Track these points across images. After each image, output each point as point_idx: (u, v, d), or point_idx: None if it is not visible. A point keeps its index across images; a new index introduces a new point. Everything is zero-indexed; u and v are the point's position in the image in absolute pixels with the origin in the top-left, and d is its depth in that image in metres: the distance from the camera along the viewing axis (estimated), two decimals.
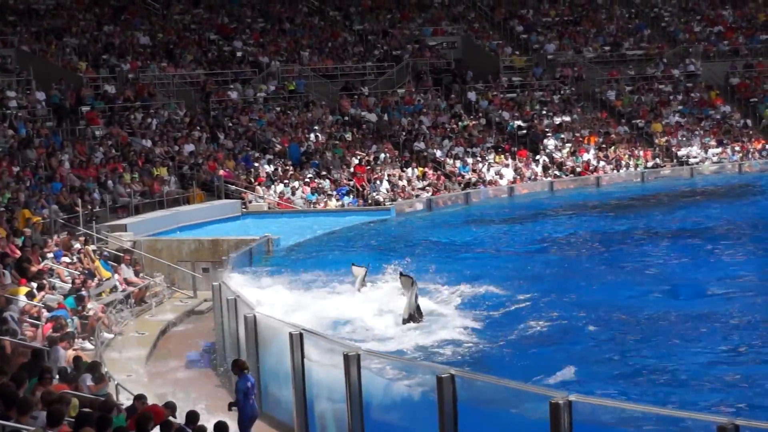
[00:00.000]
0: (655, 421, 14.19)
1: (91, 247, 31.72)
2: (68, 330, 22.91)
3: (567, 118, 61.99)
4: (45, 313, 24.27)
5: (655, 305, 27.45)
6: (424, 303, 27.40)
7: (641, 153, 59.45)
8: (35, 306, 24.49)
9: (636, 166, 58.41)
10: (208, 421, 16.97)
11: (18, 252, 28.27)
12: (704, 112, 64.90)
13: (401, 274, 28.21)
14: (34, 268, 27.29)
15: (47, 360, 20.36)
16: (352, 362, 17.28)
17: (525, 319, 25.93)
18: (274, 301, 26.02)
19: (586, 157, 57.64)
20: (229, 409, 18.37)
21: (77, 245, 31.44)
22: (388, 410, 17.58)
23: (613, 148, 59.27)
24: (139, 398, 17.66)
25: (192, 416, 16.45)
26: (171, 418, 16.16)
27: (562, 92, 64.89)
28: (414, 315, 25.97)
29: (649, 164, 58.85)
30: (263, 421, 19.85)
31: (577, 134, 60.39)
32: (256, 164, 48.47)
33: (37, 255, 28.89)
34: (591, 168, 56.99)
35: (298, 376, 19.16)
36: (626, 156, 58.76)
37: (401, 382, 17.92)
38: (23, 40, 52.06)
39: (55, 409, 13.52)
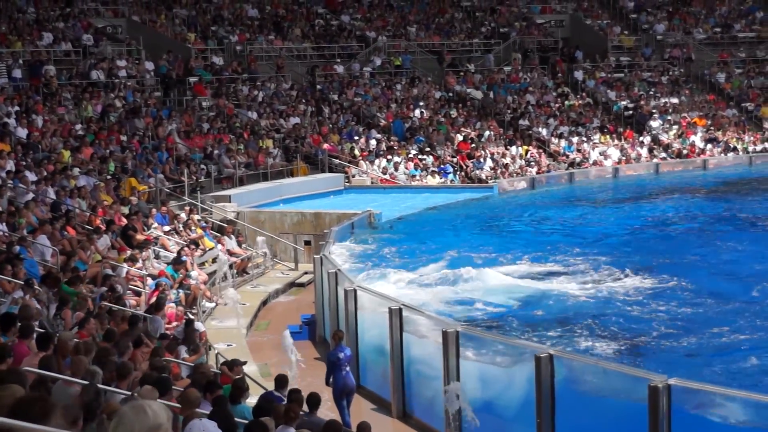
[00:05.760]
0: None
1: (196, 217, 32.06)
2: (170, 298, 23.18)
3: (675, 100, 61.09)
4: (149, 281, 24.59)
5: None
6: (527, 283, 27.39)
7: (750, 137, 58.29)
8: (139, 273, 24.81)
9: (744, 150, 57.32)
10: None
11: (124, 220, 28.68)
12: None
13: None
14: (139, 237, 27.69)
15: (148, 328, 20.61)
16: (450, 339, 17.26)
17: (633, 303, 25.67)
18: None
19: (693, 139, 56.82)
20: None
21: (182, 215, 31.83)
22: (487, 388, 17.50)
23: (721, 131, 58.30)
24: (235, 363, 17.74)
25: (281, 380, 16.49)
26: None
27: (670, 73, 63.96)
28: None
29: (758, 148, 57.70)
30: (360, 393, 19.91)
31: (684, 116, 59.48)
32: (359, 138, 48.50)
33: (142, 223, 29.29)
34: (698, 150, 56.15)
35: (396, 351, 19.21)
36: (734, 139, 57.76)
37: (499, 360, 17.81)
38: (134, 10, 52.74)
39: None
